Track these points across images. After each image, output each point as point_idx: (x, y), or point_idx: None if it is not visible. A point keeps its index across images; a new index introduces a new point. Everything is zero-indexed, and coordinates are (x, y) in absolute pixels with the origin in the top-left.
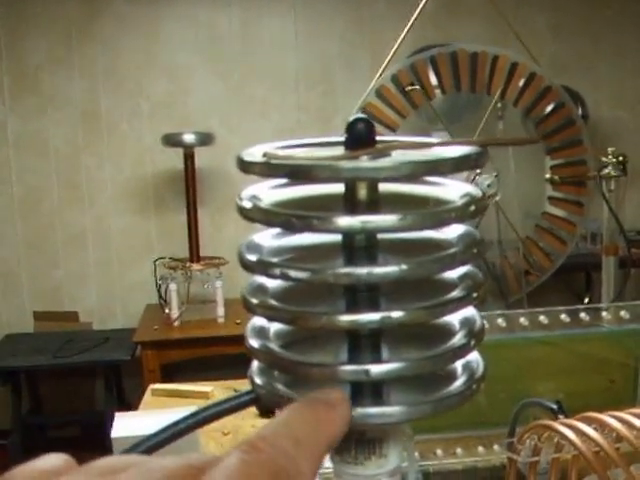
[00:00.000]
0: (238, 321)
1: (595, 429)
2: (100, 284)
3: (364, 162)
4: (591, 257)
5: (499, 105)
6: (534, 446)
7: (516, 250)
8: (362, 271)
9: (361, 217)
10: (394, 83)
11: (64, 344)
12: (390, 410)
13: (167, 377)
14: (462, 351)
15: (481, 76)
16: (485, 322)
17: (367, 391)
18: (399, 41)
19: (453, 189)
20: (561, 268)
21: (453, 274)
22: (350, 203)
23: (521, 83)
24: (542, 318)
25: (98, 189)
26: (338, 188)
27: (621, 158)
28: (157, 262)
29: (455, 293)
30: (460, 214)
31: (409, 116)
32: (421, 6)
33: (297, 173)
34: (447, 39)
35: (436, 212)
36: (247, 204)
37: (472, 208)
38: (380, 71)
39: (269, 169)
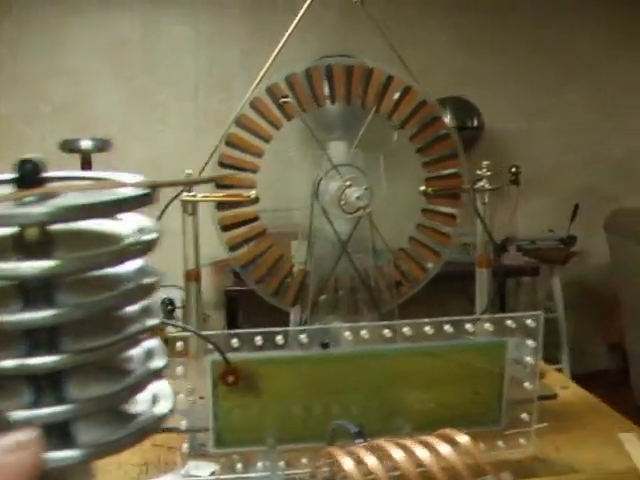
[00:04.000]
0: None
1: (383, 456)
2: None
3: (14, 207)
4: None
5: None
6: (329, 471)
7: (389, 261)
8: (24, 316)
9: (16, 263)
10: (269, 95)
11: None
12: (73, 453)
13: None
14: (142, 385)
15: (355, 89)
16: (349, 333)
17: (52, 432)
18: (275, 53)
19: (129, 223)
20: (456, 275)
21: (132, 308)
22: (18, 245)
23: (396, 96)
24: (406, 330)
25: None
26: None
27: (514, 169)
28: None
29: (134, 328)
30: (127, 251)
31: (284, 127)
32: (301, 14)
33: None
34: (349, 49)
35: (94, 254)
36: None
37: (138, 247)
38: (255, 83)
39: None
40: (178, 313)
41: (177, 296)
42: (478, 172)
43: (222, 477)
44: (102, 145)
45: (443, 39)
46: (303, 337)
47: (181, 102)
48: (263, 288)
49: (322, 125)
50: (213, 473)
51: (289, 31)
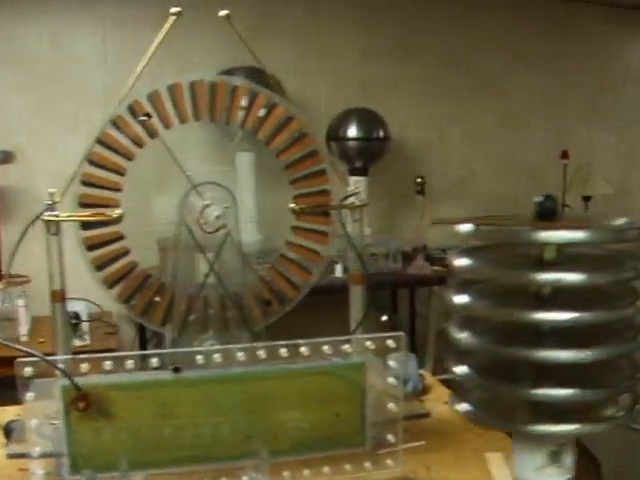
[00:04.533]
0: (42, 339)
1: None
2: None
3: None
4: (394, 275)
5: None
6: None
7: (259, 279)
8: None
9: None
10: (130, 113)
11: None
12: None
13: None
14: None
15: (220, 105)
16: (200, 357)
17: None
18: (141, 67)
19: None
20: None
21: None
22: None
23: (261, 113)
24: (260, 352)
25: None
26: None
27: (419, 179)
28: None
29: None
30: None
31: (146, 145)
32: (163, 34)
33: None
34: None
35: None
36: None
37: None
38: (119, 100)
39: None
40: (84, 326)
41: (84, 309)
42: (348, 189)
43: None
44: (4, 157)
45: (352, 51)
46: (155, 361)
47: (90, 112)
48: (131, 308)
49: (228, 136)
50: None
51: (153, 47)
